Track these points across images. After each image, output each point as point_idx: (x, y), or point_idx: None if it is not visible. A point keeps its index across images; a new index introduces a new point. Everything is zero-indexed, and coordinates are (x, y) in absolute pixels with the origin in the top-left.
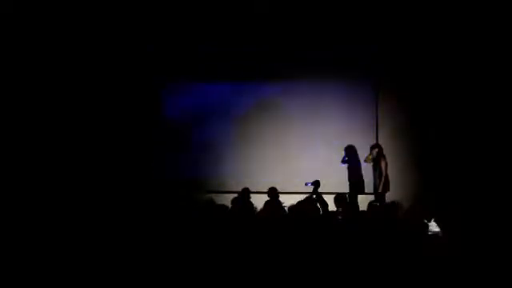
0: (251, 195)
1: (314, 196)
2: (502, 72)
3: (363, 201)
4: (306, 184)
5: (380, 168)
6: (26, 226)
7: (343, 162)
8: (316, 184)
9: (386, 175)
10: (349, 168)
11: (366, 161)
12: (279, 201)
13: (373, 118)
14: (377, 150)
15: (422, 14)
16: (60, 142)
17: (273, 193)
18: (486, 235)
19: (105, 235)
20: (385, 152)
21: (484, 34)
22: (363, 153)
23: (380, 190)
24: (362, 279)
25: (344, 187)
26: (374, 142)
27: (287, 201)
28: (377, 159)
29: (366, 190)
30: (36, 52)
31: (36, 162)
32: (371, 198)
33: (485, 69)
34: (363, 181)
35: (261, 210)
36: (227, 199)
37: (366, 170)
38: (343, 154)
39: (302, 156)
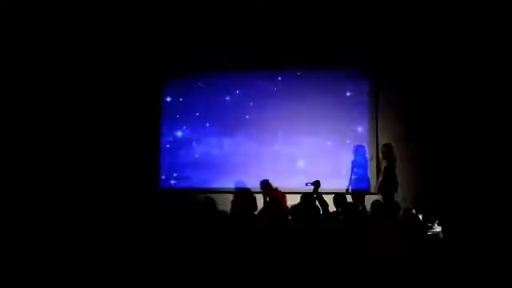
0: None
1: (315, 196)
2: (502, 69)
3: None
4: (307, 184)
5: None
6: (28, 233)
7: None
8: (316, 184)
9: (388, 175)
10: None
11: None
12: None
13: (373, 119)
14: (385, 149)
15: (422, 16)
16: (59, 141)
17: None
18: (486, 235)
19: (105, 236)
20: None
21: (484, 35)
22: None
23: (376, 190)
24: (361, 279)
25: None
26: (375, 142)
27: (288, 200)
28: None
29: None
30: (36, 52)
31: (35, 163)
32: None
33: (484, 69)
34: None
35: (261, 209)
36: (225, 199)
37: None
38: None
39: (300, 156)
